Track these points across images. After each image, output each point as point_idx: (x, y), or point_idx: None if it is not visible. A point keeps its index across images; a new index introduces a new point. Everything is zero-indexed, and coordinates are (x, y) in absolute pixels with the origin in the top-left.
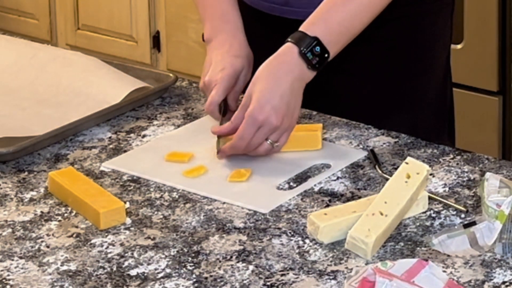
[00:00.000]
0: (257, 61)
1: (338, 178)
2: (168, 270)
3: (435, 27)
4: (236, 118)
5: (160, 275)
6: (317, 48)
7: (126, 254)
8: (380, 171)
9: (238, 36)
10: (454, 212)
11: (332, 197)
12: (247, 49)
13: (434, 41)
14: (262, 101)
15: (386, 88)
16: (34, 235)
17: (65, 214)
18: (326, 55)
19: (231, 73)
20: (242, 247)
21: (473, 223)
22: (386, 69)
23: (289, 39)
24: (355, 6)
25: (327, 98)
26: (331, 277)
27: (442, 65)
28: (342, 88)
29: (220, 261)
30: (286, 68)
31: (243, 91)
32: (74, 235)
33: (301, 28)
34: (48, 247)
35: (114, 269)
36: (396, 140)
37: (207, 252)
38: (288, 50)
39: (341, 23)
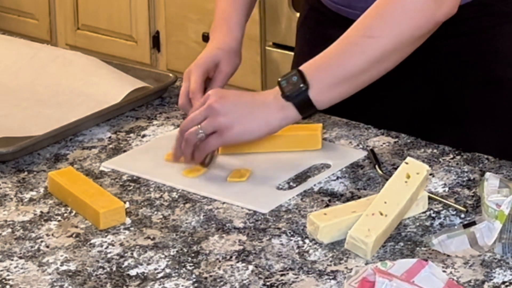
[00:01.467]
0: None
1: (338, 178)
2: (168, 270)
3: (495, 43)
4: None
5: (160, 275)
6: (294, 78)
7: (125, 254)
8: (380, 171)
9: (229, 34)
10: (454, 212)
11: (332, 197)
12: (232, 45)
13: (495, 57)
14: (223, 89)
15: (437, 103)
16: (33, 235)
17: (65, 214)
18: (301, 86)
19: (202, 62)
20: (242, 247)
21: (473, 223)
22: (439, 84)
23: None
24: (347, 47)
25: (373, 108)
26: (331, 277)
27: (508, 81)
28: (390, 101)
29: (220, 261)
30: (262, 93)
31: None
32: (74, 235)
33: None
34: (47, 247)
35: (114, 269)
36: (396, 140)
37: (207, 252)
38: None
39: (329, 56)
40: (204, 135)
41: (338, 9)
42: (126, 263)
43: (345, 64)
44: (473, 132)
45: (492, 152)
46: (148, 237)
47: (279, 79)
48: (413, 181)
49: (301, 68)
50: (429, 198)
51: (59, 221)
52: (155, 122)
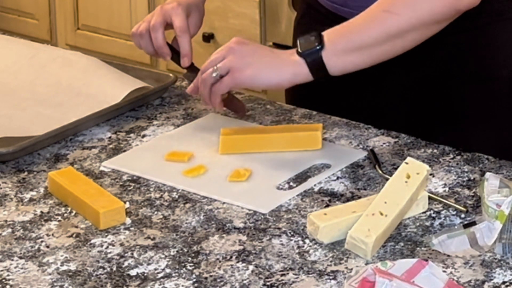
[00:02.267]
0: None
1: (338, 178)
2: (168, 270)
3: (492, 41)
4: None
5: (160, 275)
6: (312, 37)
7: (126, 254)
8: (380, 171)
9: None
10: (454, 212)
11: (332, 197)
12: (200, 4)
13: (492, 55)
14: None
15: (434, 102)
16: (34, 235)
17: (65, 214)
18: (316, 45)
19: (184, 5)
20: (242, 247)
21: (473, 223)
22: (436, 82)
23: None
24: (366, 19)
25: (372, 108)
26: (331, 277)
27: (504, 79)
28: (389, 100)
29: (220, 261)
30: (282, 50)
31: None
32: (74, 235)
33: None
34: (48, 247)
35: (114, 269)
36: (396, 140)
37: (207, 252)
38: None
39: (349, 25)
40: (219, 75)
41: (334, 8)
42: (126, 263)
43: (360, 33)
44: (473, 132)
45: (492, 151)
46: (148, 237)
47: (299, 37)
48: (413, 181)
49: (323, 32)
50: (429, 198)
51: (59, 221)
52: (155, 122)
